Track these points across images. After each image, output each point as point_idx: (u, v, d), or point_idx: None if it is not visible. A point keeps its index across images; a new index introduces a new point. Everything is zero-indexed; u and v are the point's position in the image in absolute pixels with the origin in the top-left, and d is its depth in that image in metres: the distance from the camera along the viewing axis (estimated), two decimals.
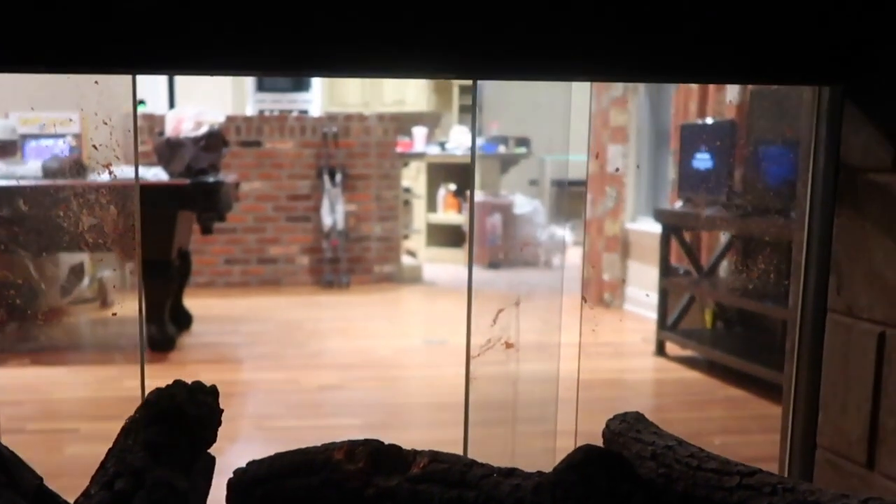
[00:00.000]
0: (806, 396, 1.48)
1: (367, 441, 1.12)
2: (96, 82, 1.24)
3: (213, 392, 1.05)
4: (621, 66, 1.22)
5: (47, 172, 4.74)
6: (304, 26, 1.08)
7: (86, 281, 5.83)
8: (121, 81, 1.24)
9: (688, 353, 4.73)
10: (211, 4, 1.06)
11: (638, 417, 1.31)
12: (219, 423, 1.06)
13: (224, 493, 1.14)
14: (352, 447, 1.11)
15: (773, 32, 1.22)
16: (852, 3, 1.24)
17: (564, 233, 7.68)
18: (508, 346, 1.66)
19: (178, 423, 0.99)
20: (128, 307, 5.53)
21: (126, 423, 1.00)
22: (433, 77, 2.77)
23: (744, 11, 1.21)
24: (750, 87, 4.59)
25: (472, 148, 6.74)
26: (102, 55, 1.08)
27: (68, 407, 3.89)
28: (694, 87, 5.06)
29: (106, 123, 1.30)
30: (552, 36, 1.14)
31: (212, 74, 1.23)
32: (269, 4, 1.06)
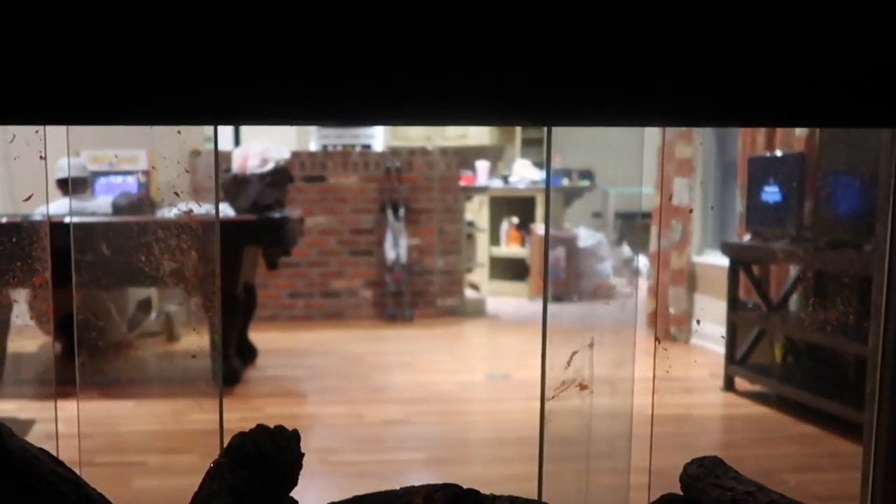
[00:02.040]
0: (888, 441, 1.44)
1: (446, 486, 1.11)
2: (179, 132, 1.26)
3: (295, 437, 1.05)
4: (695, 112, 1.20)
5: (117, 209, 4.84)
6: (380, 81, 1.08)
7: (153, 315, 5.93)
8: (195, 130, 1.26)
9: (757, 388, 4.65)
10: (285, 64, 1.07)
11: (716, 462, 1.28)
12: (300, 468, 1.06)
13: None
14: (431, 491, 1.10)
15: (850, 74, 1.20)
16: None
17: (637, 262, 7.63)
18: (583, 388, 1.64)
19: (262, 469, 0.99)
20: (190, 341, 5.61)
21: (211, 468, 1.00)
22: (509, 125, 2.77)
23: (820, 53, 1.19)
24: None
25: (547, 183, 6.74)
26: (187, 109, 1.10)
27: (136, 440, 3.93)
28: None
29: (187, 171, 1.32)
30: (624, 83, 1.13)
31: (277, 125, 1.24)
32: (344, 59, 1.07)
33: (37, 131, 1.38)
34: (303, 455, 1.07)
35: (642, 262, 7.55)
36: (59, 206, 4.87)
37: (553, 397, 1.41)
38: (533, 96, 1.11)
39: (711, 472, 1.25)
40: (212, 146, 6.48)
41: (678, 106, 1.17)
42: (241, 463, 0.98)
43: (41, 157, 1.52)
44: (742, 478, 1.25)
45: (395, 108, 1.11)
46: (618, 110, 1.15)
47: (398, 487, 1.13)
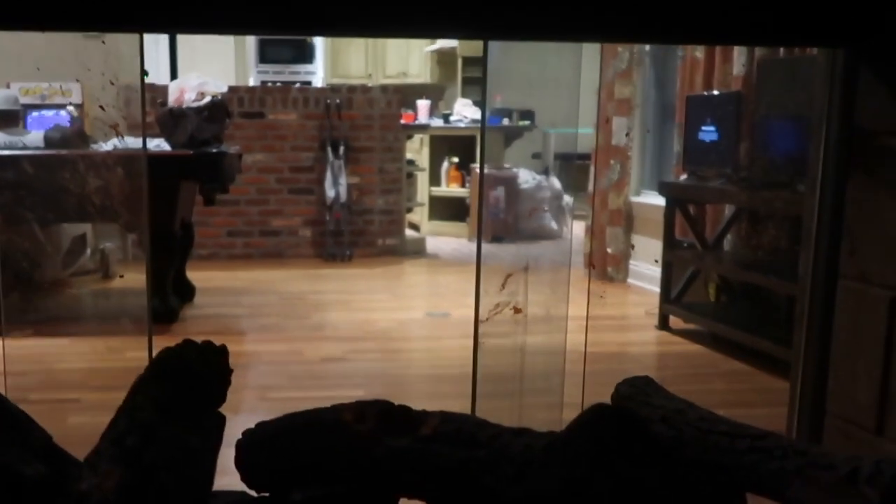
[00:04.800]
0: (815, 363, 1.47)
1: (376, 402, 1.12)
2: (103, 42, 1.22)
3: (222, 352, 1.04)
4: (633, 26, 1.20)
5: (49, 143, 4.72)
6: None
7: (88, 252, 5.83)
8: (126, 44, 1.22)
9: (691, 326, 4.73)
10: None
11: (647, 381, 1.31)
12: (228, 383, 1.05)
13: (232, 460, 1.13)
14: (361, 408, 1.10)
15: None
16: None
17: (569, 202, 7.67)
18: (517, 311, 1.66)
19: (187, 382, 0.98)
20: (129, 279, 5.54)
21: (135, 382, 0.99)
22: (442, 37, 2.74)
23: None
24: (756, 58, 4.55)
25: (482, 122, 6.71)
26: (108, 14, 1.06)
27: (71, 377, 3.89)
28: (700, 58, 5.02)
29: (113, 84, 1.28)
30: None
31: (216, 33, 1.21)
32: None
33: None
34: (231, 371, 1.06)
35: (576, 202, 7.61)
36: None
37: (487, 319, 1.42)
38: (467, 7, 1.10)
39: (642, 390, 1.27)
40: (147, 80, 6.35)
41: (614, 21, 1.16)
42: (166, 376, 0.97)
43: None
44: (673, 396, 1.27)
45: (324, 16, 1.09)
46: (554, 25, 1.14)
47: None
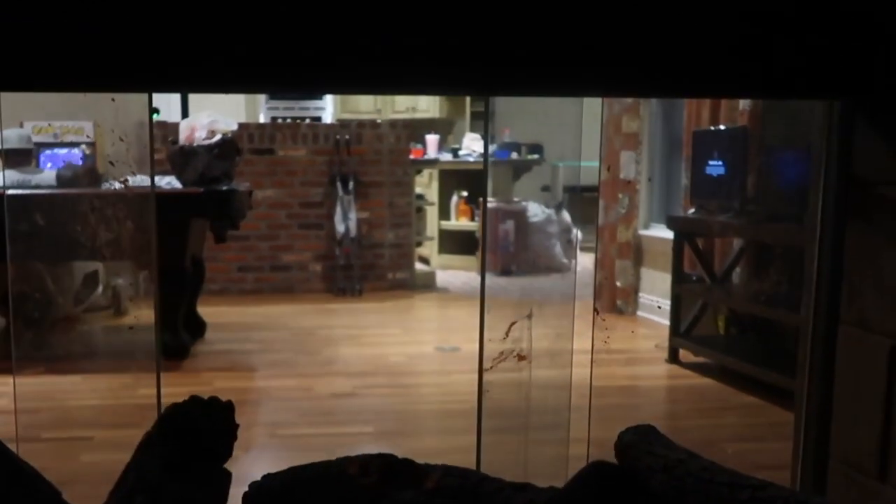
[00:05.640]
0: (818, 407, 1.48)
1: (380, 455, 1.13)
2: (113, 99, 1.25)
3: (228, 407, 1.06)
4: (633, 81, 1.22)
5: (62, 181, 4.76)
6: (317, 44, 1.09)
7: (100, 289, 5.86)
8: (135, 94, 1.25)
9: (700, 359, 4.72)
10: (226, 27, 1.07)
11: (650, 430, 1.31)
12: (234, 438, 1.06)
13: None
14: (365, 461, 1.11)
15: (785, 48, 1.23)
16: (862, 20, 1.24)
17: (576, 234, 7.68)
18: (521, 358, 1.67)
19: (194, 440, 0.99)
20: (141, 315, 5.56)
21: (143, 439, 1.01)
22: (447, 94, 2.77)
23: (756, 28, 1.22)
24: None
25: (485, 156, 6.73)
26: (120, 75, 1.09)
27: (83, 415, 3.90)
28: None
29: (122, 140, 1.32)
30: (564, 53, 1.14)
31: (223, 92, 1.24)
32: (284, 22, 1.08)
33: None
34: (237, 426, 1.07)
35: (583, 234, 7.61)
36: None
37: (490, 368, 1.43)
38: (471, 66, 1.13)
39: (645, 439, 1.28)
40: (158, 118, 6.42)
41: (615, 76, 1.19)
42: (172, 434, 0.99)
43: None
44: (674, 445, 1.28)
45: (334, 76, 1.11)
46: (556, 81, 1.17)
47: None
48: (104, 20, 1.06)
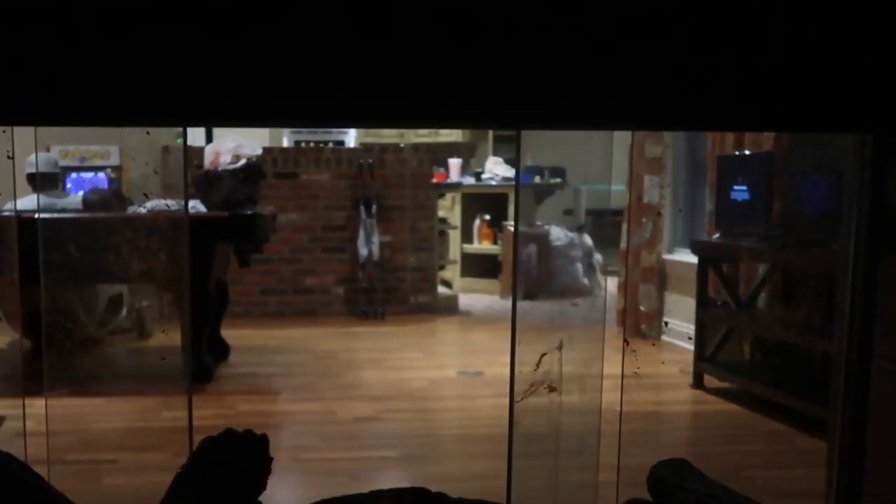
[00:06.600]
0: (852, 442, 1.47)
1: (413, 489, 1.13)
2: (148, 132, 1.27)
3: (262, 441, 1.06)
4: (663, 115, 1.22)
5: (88, 205, 4.81)
6: (351, 82, 1.09)
7: (124, 312, 5.89)
8: None
9: (726, 385, 4.69)
10: (260, 64, 1.08)
11: (682, 464, 1.31)
12: (269, 472, 1.07)
13: None
14: (398, 495, 1.11)
15: (816, 81, 1.23)
16: (894, 51, 1.24)
17: (599, 259, 7.66)
18: (551, 390, 1.66)
19: (228, 473, 0.99)
20: (162, 338, 5.58)
21: (178, 473, 1.01)
22: (479, 128, 2.78)
23: (788, 61, 1.21)
24: None
25: (517, 187, 6.71)
26: (154, 110, 1.10)
27: (106, 437, 3.91)
28: None
29: (156, 172, 1.32)
30: (594, 88, 1.15)
31: (252, 126, 1.25)
32: (319, 61, 1.08)
33: (3, 131, 1.39)
34: (271, 459, 1.08)
35: (605, 259, 7.60)
36: (30, 202, 4.84)
37: (521, 400, 1.43)
38: (502, 101, 1.13)
39: (677, 473, 1.27)
40: (180, 141, 6.47)
41: (645, 110, 1.19)
42: (208, 468, 0.99)
43: (8, 157, 1.50)
44: (707, 479, 1.27)
45: (368, 111, 1.12)
46: (585, 115, 1.17)
47: (367, 491, 1.14)
48: (142, 59, 1.07)
